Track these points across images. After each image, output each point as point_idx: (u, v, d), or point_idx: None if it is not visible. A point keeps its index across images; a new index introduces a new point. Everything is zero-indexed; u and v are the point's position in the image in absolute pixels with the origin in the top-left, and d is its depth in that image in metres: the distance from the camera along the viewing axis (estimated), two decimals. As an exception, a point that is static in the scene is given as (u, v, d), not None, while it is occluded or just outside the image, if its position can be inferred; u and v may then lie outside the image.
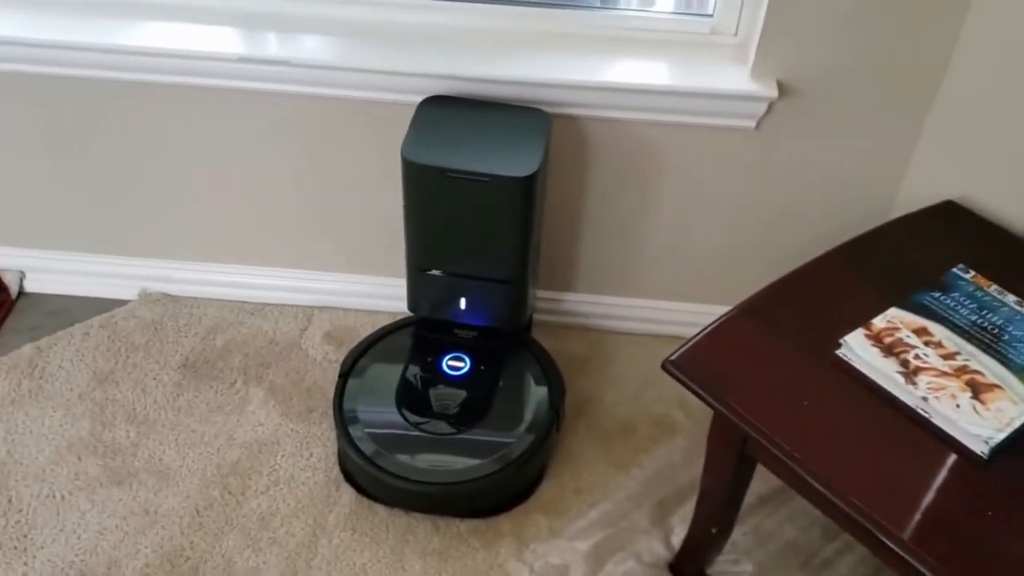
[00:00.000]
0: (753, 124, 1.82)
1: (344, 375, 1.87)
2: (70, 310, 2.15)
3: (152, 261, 2.17)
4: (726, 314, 1.49)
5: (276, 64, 1.77)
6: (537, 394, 1.86)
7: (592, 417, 1.98)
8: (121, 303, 2.17)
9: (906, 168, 1.85)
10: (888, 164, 1.85)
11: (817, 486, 1.27)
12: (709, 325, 1.47)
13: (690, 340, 1.45)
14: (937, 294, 1.49)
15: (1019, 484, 1.27)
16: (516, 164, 1.63)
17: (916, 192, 1.83)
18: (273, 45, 1.80)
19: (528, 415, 1.81)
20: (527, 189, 1.64)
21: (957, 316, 1.46)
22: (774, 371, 1.41)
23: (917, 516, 1.23)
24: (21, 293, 2.18)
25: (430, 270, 1.80)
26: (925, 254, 1.62)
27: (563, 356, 2.08)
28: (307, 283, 2.16)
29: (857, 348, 1.41)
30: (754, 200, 1.94)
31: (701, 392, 1.38)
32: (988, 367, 1.38)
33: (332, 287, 2.16)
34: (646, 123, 1.83)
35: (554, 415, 1.82)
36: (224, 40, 1.80)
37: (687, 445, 1.92)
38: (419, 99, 1.76)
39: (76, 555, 1.69)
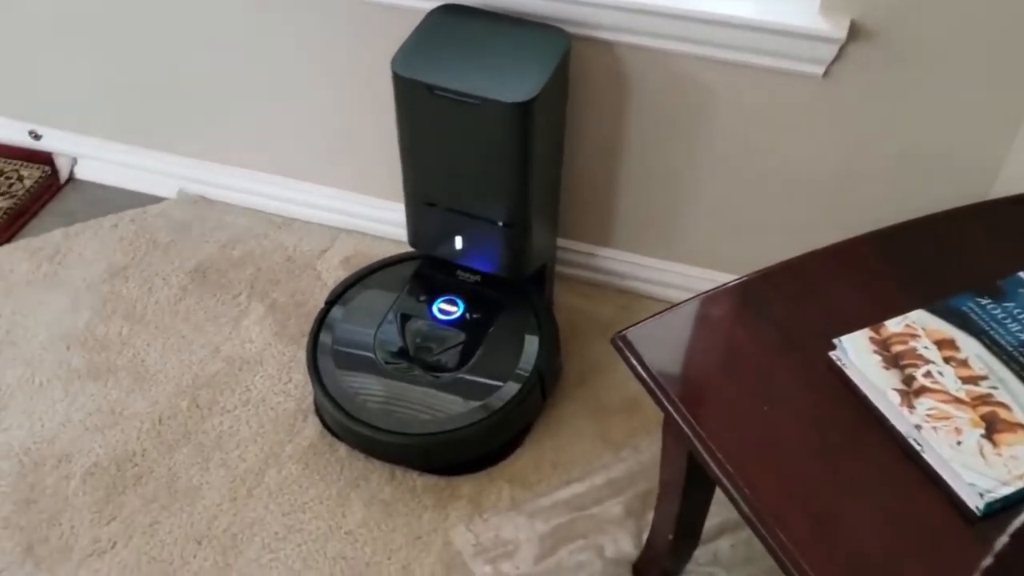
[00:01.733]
0: (820, 71, 1.54)
1: (330, 303, 1.76)
2: (109, 201, 2.15)
3: (195, 162, 2.13)
4: (707, 291, 1.26)
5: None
6: (528, 352, 1.68)
7: (597, 387, 1.78)
8: (160, 200, 2.15)
9: (1012, 142, 1.52)
10: (987, 135, 1.53)
11: (749, 515, 1.04)
12: (682, 302, 1.25)
13: (652, 315, 1.23)
14: (985, 301, 1.19)
15: (1014, 559, 0.98)
16: (512, 87, 1.44)
17: (1021, 174, 1.51)
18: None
19: (510, 373, 1.64)
20: (522, 118, 1.45)
21: (1002, 331, 1.16)
22: (744, 366, 1.17)
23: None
24: (71, 179, 2.20)
25: (425, 202, 1.65)
26: (991, 251, 1.30)
27: (585, 316, 1.89)
28: (340, 203, 2.06)
29: (853, 352, 1.15)
30: (817, 162, 1.66)
31: (645, 378, 1.17)
32: (1020, 401, 1.09)
33: (364, 211, 2.05)
34: (694, 57, 1.58)
35: (537, 377, 1.65)
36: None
37: (691, 435, 1.70)
38: (431, 6, 1.60)
39: (34, 442, 1.68)
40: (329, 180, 2.05)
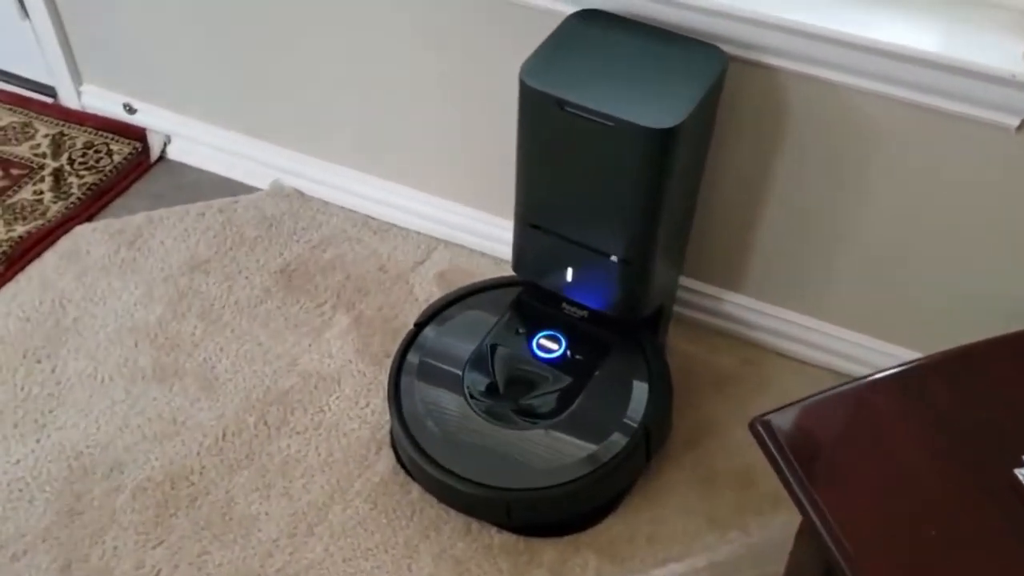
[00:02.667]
0: (1016, 122, 1.30)
1: (419, 324, 1.59)
2: (199, 186, 2.01)
3: (293, 154, 1.97)
4: (865, 378, 1.04)
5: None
6: (635, 403, 1.48)
7: (708, 451, 1.57)
8: (252, 190, 2.01)
9: None
10: None
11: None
12: (834, 387, 1.03)
13: (799, 401, 1.02)
14: None
15: None
16: (657, 111, 1.23)
17: None
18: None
19: (612, 428, 1.44)
20: (662, 147, 1.25)
21: None
22: (904, 475, 0.95)
23: None
24: (162, 158, 2.07)
25: (536, 225, 1.46)
26: None
27: (700, 365, 1.68)
28: (441, 212, 1.88)
29: (1048, 474, 0.93)
30: (1000, 225, 1.42)
31: (787, 475, 0.96)
32: None
33: (466, 223, 1.87)
34: (865, 93, 1.35)
35: (644, 436, 1.44)
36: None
37: (815, 521, 1.47)
38: (571, 10, 1.41)
39: (87, 446, 1.55)
40: (432, 187, 1.88)
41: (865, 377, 1.03)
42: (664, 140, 1.22)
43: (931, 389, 1.01)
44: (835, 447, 0.96)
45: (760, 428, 0.97)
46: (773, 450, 0.95)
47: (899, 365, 1.04)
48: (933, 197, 1.43)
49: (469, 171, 1.81)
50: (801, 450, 0.95)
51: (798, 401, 1.00)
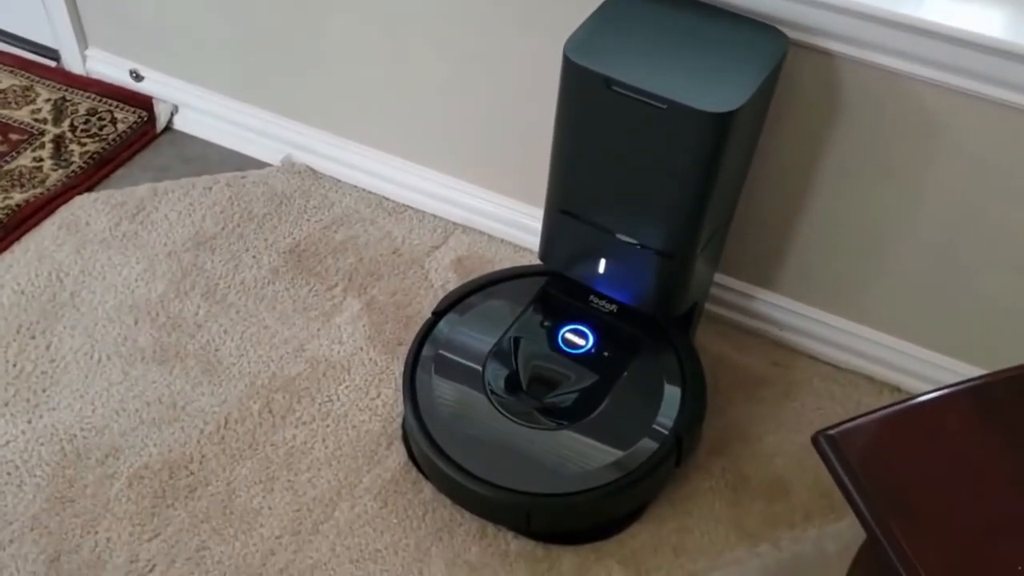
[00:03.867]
0: (1086, 121, 1.22)
1: (438, 313, 1.50)
2: (206, 159, 1.92)
3: (306, 128, 1.88)
4: (939, 390, 0.95)
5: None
6: (667, 407, 1.39)
7: (738, 459, 1.48)
8: (262, 165, 1.91)
9: None
10: None
11: None
12: (907, 400, 0.95)
13: (866, 414, 0.94)
14: None
15: None
16: (713, 94, 1.14)
17: None
18: None
19: (641, 431, 1.36)
20: (720, 132, 1.16)
21: None
22: (980, 499, 0.87)
23: None
24: (168, 128, 1.97)
25: (570, 212, 1.37)
26: None
27: (730, 367, 1.59)
28: (460, 195, 1.79)
29: None
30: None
31: (856, 498, 0.88)
32: None
33: (486, 207, 1.77)
34: (929, 83, 1.27)
35: (675, 443, 1.36)
36: None
37: (852, 537, 1.38)
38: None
39: (81, 429, 1.46)
40: (452, 168, 1.78)
41: (932, 391, 0.95)
42: (720, 125, 1.13)
43: (1007, 407, 0.92)
44: (906, 467, 0.88)
45: (825, 444, 0.88)
46: (839, 468, 0.86)
47: (969, 380, 0.96)
48: (991, 197, 1.34)
49: (493, 153, 1.72)
50: (869, 469, 0.87)
51: (863, 415, 0.91)
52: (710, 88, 1.14)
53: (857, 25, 1.24)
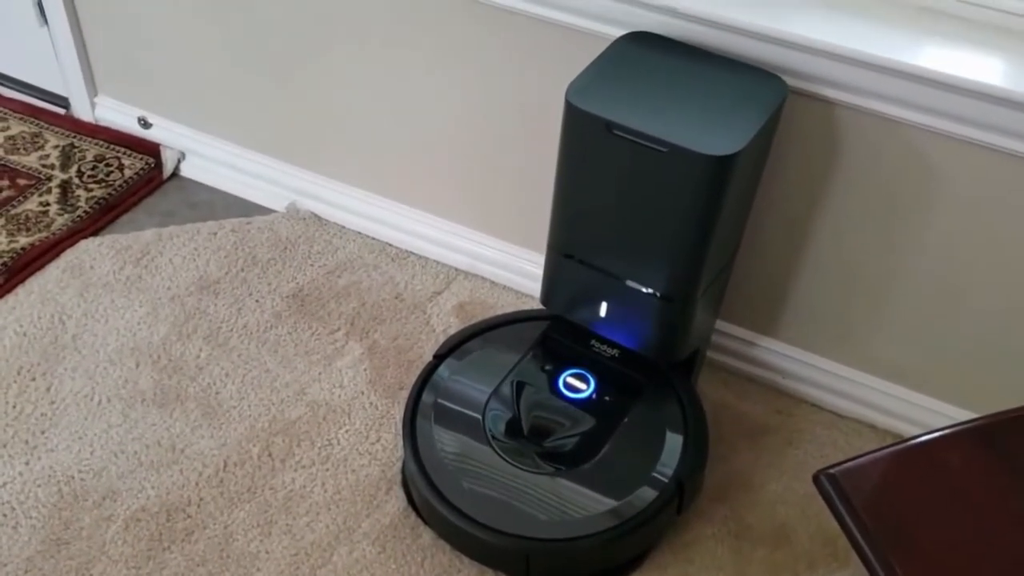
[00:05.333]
0: (1087, 169, 1.23)
1: (439, 356, 1.50)
2: (212, 205, 1.93)
3: (311, 175, 1.90)
4: (942, 430, 0.95)
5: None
6: (668, 454, 1.38)
7: (739, 506, 1.47)
8: (267, 211, 1.93)
9: None
10: None
11: None
12: (909, 439, 0.94)
13: (869, 452, 0.93)
14: None
15: None
16: (714, 138, 1.16)
17: None
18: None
19: (642, 477, 1.35)
20: (721, 175, 1.17)
21: None
22: (984, 538, 0.86)
23: None
24: (175, 175, 1.99)
25: (571, 256, 1.38)
26: None
27: (731, 414, 1.59)
28: (462, 241, 1.80)
29: None
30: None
31: (856, 534, 0.87)
32: None
33: (487, 253, 1.78)
34: (931, 131, 1.28)
35: (676, 489, 1.35)
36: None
37: (855, 587, 1.37)
38: (619, 33, 1.34)
39: (79, 471, 1.45)
40: (454, 215, 1.80)
41: (935, 431, 0.94)
42: (721, 169, 1.14)
43: (1012, 446, 0.92)
44: (908, 505, 0.87)
45: (826, 482, 0.87)
46: (840, 507, 0.86)
47: (972, 420, 0.95)
48: (993, 246, 1.34)
49: (494, 199, 1.73)
50: (871, 507, 0.86)
51: (865, 454, 0.91)
52: (710, 132, 1.15)
53: (855, 73, 1.26)
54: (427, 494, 1.34)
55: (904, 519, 0.86)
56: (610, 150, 1.21)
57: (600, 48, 1.31)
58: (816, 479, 0.89)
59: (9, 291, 1.70)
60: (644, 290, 1.34)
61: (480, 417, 1.41)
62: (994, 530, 0.85)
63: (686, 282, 1.29)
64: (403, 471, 1.47)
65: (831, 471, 0.88)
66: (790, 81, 1.28)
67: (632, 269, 1.33)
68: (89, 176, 1.94)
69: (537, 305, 1.54)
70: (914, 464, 0.90)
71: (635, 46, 1.30)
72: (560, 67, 1.37)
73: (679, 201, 1.19)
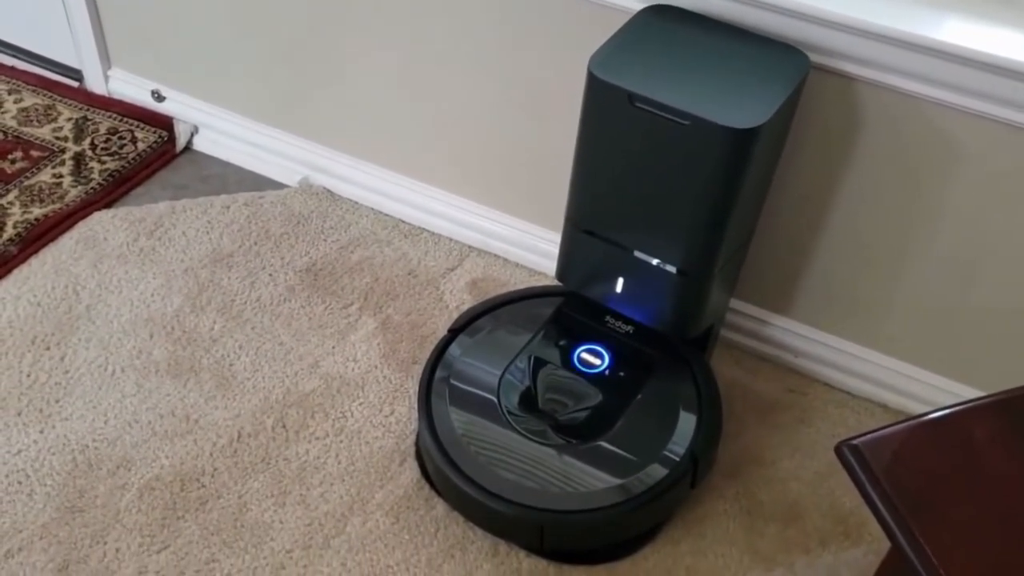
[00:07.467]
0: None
1: (454, 331, 1.50)
2: (225, 179, 1.93)
3: (325, 150, 1.89)
4: (966, 403, 0.95)
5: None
6: (682, 431, 1.38)
7: (751, 483, 1.47)
8: (280, 186, 1.93)
9: None
10: None
11: None
12: (933, 411, 0.94)
13: (892, 424, 0.93)
14: None
15: None
16: (736, 111, 1.15)
17: None
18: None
19: (656, 452, 1.35)
20: (743, 149, 1.17)
21: None
22: (1008, 510, 0.86)
23: None
24: (188, 148, 1.99)
25: (589, 230, 1.38)
26: None
27: (743, 392, 1.59)
28: (476, 218, 1.79)
29: None
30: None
31: (879, 506, 0.87)
32: None
33: (502, 231, 1.78)
34: (952, 108, 1.28)
35: (691, 463, 1.35)
36: None
37: (867, 565, 1.37)
38: (641, 6, 1.33)
39: (93, 440, 1.45)
40: (469, 191, 1.79)
41: (957, 404, 0.94)
42: (744, 142, 1.14)
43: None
44: (931, 477, 0.87)
45: (848, 453, 0.87)
46: (863, 477, 0.86)
47: (995, 394, 0.95)
48: (1011, 224, 1.34)
49: (509, 176, 1.73)
50: (893, 478, 0.86)
51: (887, 426, 0.91)
52: (733, 105, 1.15)
53: (876, 47, 1.25)
54: (441, 466, 1.34)
55: (927, 490, 0.86)
56: (631, 122, 1.20)
57: (617, 22, 1.31)
58: (838, 450, 0.88)
59: (23, 261, 1.70)
60: (662, 265, 1.33)
61: (495, 390, 1.41)
62: (1018, 502, 0.85)
63: (704, 257, 1.29)
64: (417, 443, 1.47)
65: (853, 442, 0.88)
66: (812, 56, 1.28)
67: (650, 243, 1.33)
68: (102, 148, 1.94)
69: (550, 282, 1.54)
70: (936, 436, 0.90)
71: (657, 19, 1.30)
72: (578, 41, 1.36)
73: (700, 175, 1.19)
